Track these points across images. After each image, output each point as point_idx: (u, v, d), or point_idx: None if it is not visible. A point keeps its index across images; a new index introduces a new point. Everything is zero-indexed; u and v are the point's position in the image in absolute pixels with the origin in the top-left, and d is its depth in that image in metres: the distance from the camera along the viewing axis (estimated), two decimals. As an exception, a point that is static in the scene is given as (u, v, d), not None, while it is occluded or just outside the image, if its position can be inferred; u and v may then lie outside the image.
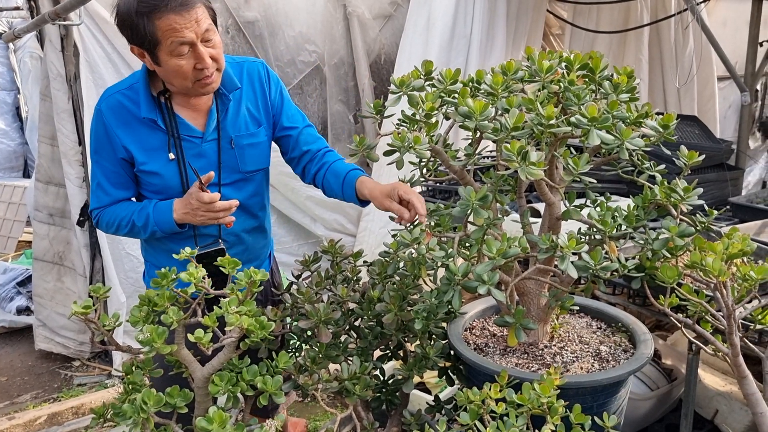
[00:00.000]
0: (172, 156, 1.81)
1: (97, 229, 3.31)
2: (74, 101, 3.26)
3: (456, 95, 1.59)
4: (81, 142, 3.29)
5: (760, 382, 1.59)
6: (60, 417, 3.12)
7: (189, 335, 1.40)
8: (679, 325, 1.68)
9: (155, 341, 1.41)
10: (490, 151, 3.21)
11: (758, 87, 4.85)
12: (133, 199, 1.92)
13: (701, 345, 1.64)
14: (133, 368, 1.55)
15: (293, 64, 4.02)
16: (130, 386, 1.49)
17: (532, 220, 1.82)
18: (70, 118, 3.26)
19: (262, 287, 1.51)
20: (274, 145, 2.05)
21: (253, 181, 1.98)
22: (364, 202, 1.89)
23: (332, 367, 1.74)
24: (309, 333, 1.83)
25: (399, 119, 1.62)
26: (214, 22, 1.75)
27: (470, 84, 1.66)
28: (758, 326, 1.58)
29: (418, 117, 1.55)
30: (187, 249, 1.51)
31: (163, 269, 1.50)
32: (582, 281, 2.26)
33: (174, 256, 1.55)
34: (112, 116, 1.79)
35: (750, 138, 4.80)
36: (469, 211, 1.48)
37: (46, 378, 3.57)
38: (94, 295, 1.55)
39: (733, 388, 2.55)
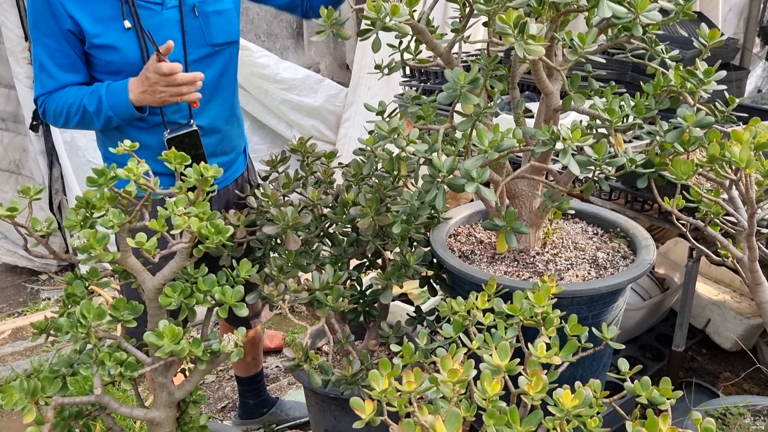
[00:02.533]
0: (128, 24, 1.57)
1: (53, 135, 3.06)
2: (16, -10, 2.92)
3: (442, -40, 1.35)
4: (27, 38, 2.97)
5: None
6: (25, 331, 2.98)
7: (129, 240, 1.21)
8: (684, 230, 1.52)
9: (93, 247, 1.21)
10: (478, 50, 2.96)
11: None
12: (85, 85, 1.66)
13: (705, 249, 1.49)
14: (75, 279, 1.38)
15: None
16: (69, 299, 1.31)
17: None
18: (13, 9, 2.92)
19: (216, 186, 1.31)
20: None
21: (223, 57, 1.74)
22: None
23: (303, 276, 1.58)
24: (276, 240, 1.66)
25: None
26: None
27: (459, -53, 1.41)
28: (772, 230, 1.43)
29: (397, -15, 1.31)
30: (127, 142, 1.29)
31: (102, 165, 1.29)
32: (579, 182, 2.08)
33: (112, 149, 1.33)
34: None
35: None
36: (456, 98, 1.27)
37: (10, 292, 3.41)
38: (23, 196, 1.33)
39: (726, 297, 2.45)
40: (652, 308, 2.33)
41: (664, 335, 2.41)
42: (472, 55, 2.84)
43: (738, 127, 2.64)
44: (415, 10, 1.35)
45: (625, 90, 2.74)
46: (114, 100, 1.57)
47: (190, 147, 1.66)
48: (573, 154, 1.27)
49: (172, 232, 1.23)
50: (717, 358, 2.42)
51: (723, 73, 1.32)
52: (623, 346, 1.30)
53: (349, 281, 1.67)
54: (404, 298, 2.81)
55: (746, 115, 2.52)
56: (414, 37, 1.51)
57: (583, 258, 1.58)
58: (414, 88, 2.94)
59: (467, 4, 1.36)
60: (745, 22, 3.82)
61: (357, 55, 3.64)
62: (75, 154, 3.12)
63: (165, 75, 1.50)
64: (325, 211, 1.68)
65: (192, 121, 1.69)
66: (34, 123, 3.09)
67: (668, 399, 1.09)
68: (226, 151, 1.83)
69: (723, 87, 1.33)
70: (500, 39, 1.23)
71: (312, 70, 3.79)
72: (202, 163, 1.25)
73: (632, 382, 1.13)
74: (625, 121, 1.35)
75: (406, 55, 1.57)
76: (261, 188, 1.64)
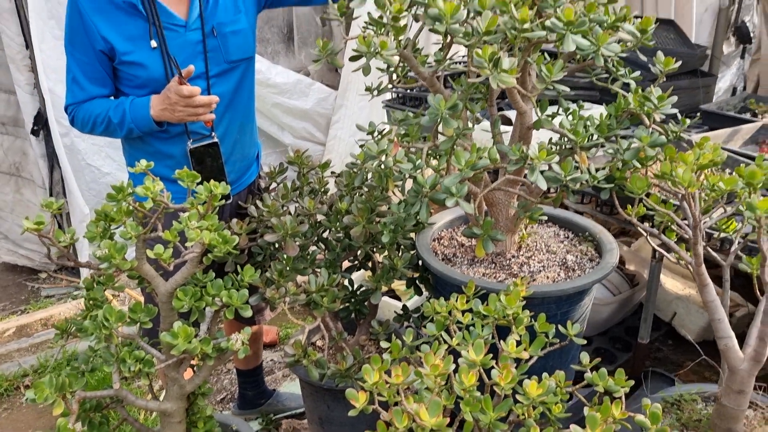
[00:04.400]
0: (154, 44, 1.74)
1: (53, 139, 3.18)
2: (17, 0, 3.02)
3: (426, -5, 1.49)
4: (28, 45, 3.08)
5: (719, 287, 1.63)
6: (29, 329, 3.11)
7: (148, 251, 1.36)
8: (645, 234, 1.69)
9: (114, 257, 1.36)
10: (463, 56, 3.10)
11: (736, -11, 4.73)
12: (111, 98, 1.85)
13: (665, 252, 1.66)
14: (95, 284, 1.52)
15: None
16: (91, 302, 1.45)
17: (503, 128, 1.78)
18: (14, 18, 3.03)
19: (224, 201, 1.46)
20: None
21: (239, 71, 1.92)
22: None
23: (300, 279, 1.73)
24: (276, 246, 1.81)
25: (365, 22, 1.52)
26: None
27: (441, -17, 1.55)
28: (722, 235, 1.60)
29: (385, 20, 1.46)
30: (143, 162, 1.43)
31: (120, 182, 1.43)
32: (552, 191, 2.25)
33: (130, 169, 1.47)
34: (89, 3, 1.71)
35: (724, 43, 4.73)
36: (438, 121, 1.42)
37: (12, 290, 3.53)
38: (47, 210, 1.47)
39: (691, 291, 2.64)
40: (621, 303, 2.50)
41: (633, 328, 2.59)
42: (457, 62, 2.99)
43: (705, 132, 2.80)
44: (401, 39, 1.50)
45: (598, 95, 2.91)
46: (136, 114, 1.74)
47: (211, 157, 1.83)
48: (541, 171, 1.43)
49: (186, 244, 1.37)
50: (681, 349, 2.61)
51: (674, 99, 1.48)
52: (585, 341, 1.46)
53: (341, 282, 1.83)
54: (392, 293, 2.97)
55: (705, 127, 2.70)
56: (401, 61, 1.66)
57: (554, 261, 1.75)
58: (399, 99, 3.09)
59: (449, 35, 1.51)
60: (715, 28, 4.00)
61: (346, 59, 3.78)
62: (75, 157, 3.24)
63: (185, 97, 1.67)
64: (320, 218, 1.83)
65: (213, 133, 1.85)
66: (35, 127, 3.21)
67: (622, 387, 1.26)
68: (239, 158, 1.99)
69: (675, 111, 1.49)
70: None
71: (302, 74, 3.92)
72: (212, 181, 1.39)
73: (592, 373, 1.30)
74: (589, 140, 1.51)
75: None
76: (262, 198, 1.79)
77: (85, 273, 3.43)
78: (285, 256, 1.67)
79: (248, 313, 1.48)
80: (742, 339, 1.41)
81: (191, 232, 1.34)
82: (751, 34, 5.55)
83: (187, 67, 1.70)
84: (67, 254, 1.46)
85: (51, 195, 3.34)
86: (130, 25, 1.72)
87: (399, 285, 2.97)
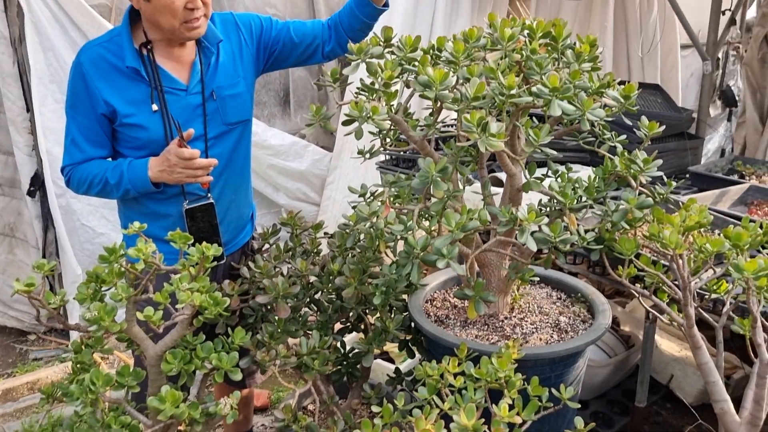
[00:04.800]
0: (155, 107, 1.78)
1: (49, 200, 3.20)
2: (20, 65, 3.10)
3: (416, 63, 1.55)
4: (29, 109, 3.13)
5: (713, 347, 1.62)
6: (15, 392, 3.03)
7: (138, 313, 1.35)
8: (637, 295, 1.69)
9: (103, 319, 1.35)
10: (452, 120, 3.18)
11: (719, 55, 4.89)
12: (109, 159, 1.87)
13: (657, 314, 1.65)
14: (83, 347, 1.50)
15: (253, 27, 3.87)
16: (78, 365, 1.43)
17: (494, 189, 1.80)
18: (16, 83, 3.09)
19: (215, 263, 1.46)
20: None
21: (236, 133, 1.95)
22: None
23: (292, 341, 1.71)
24: (267, 308, 1.80)
25: (358, 87, 1.57)
26: None
27: (431, 52, 1.61)
28: (713, 296, 1.60)
29: (377, 86, 1.50)
30: (136, 224, 1.44)
31: (113, 243, 1.44)
32: (543, 252, 2.26)
33: (124, 231, 1.48)
34: (93, 69, 1.76)
35: (710, 106, 4.86)
36: (428, 184, 1.44)
37: (0, 353, 3.47)
38: (38, 272, 1.47)
39: (687, 353, 2.61)
40: (617, 365, 2.48)
41: (630, 390, 2.54)
42: (447, 125, 3.05)
43: (695, 193, 2.83)
44: (392, 104, 1.55)
45: (588, 156, 2.96)
46: (134, 175, 1.76)
47: (207, 218, 1.85)
48: (532, 233, 1.44)
49: (177, 306, 1.37)
50: (680, 412, 2.56)
51: (659, 162, 1.51)
52: (580, 405, 1.44)
53: (333, 344, 1.81)
54: (385, 356, 2.93)
55: (694, 188, 2.74)
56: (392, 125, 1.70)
57: (547, 322, 1.74)
58: (392, 161, 3.14)
59: (438, 101, 1.55)
60: (700, 92, 4.12)
61: (339, 123, 3.86)
62: (70, 218, 3.25)
63: (185, 159, 1.70)
64: (312, 279, 1.83)
65: (209, 194, 1.87)
66: (32, 188, 3.23)
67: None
68: (234, 218, 2.01)
69: (660, 173, 1.52)
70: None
71: (298, 136, 3.99)
72: (205, 242, 1.40)
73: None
74: (578, 202, 1.54)
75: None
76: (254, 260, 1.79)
77: (74, 335, 3.38)
78: (276, 318, 1.66)
79: (238, 376, 1.46)
80: (740, 402, 1.39)
81: (182, 293, 1.34)
82: (737, 98, 5.71)
83: (188, 130, 1.73)
84: (57, 316, 1.45)
85: (44, 255, 3.33)
86: (133, 89, 1.77)
87: (392, 347, 2.93)
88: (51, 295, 1.44)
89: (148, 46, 1.78)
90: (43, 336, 3.58)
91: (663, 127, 1.61)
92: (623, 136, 1.69)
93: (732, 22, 4.36)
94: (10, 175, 3.39)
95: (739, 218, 2.28)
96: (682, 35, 4.77)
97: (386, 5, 1.96)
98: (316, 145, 4.00)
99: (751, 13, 5.32)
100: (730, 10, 4.31)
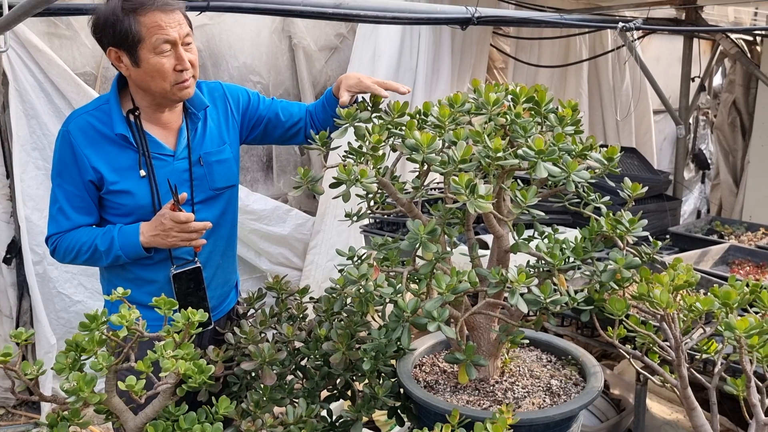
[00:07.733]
0: (143, 173, 1.78)
1: (25, 268, 3.13)
2: (2, 132, 3.10)
3: (403, 127, 1.57)
4: (9, 175, 3.11)
5: (707, 410, 1.60)
6: (-19, 471, 2.88)
7: (120, 383, 1.30)
8: (628, 357, 1.67)
9: (82, 390, 1.30)
10: (438, 183, 3.21)
11: (690, 120, 5.06)
12: (95, 226, 1.85)
13: (649, 375, 1.63)
14: (59, 419, 1.43)
15: (237, 95, 3.94)
16: (54, 441, 1.37)
17: (480, 252, 1.80)
18: (-3, 150, 3.10)
19: (201, 329, 1.42)
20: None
21: (223, 198, 1.96)
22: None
23: (277, 410, 1.66)
24: (253, 375, 1.74)
25: (345, 151, 1.58)
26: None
27: (417, 116, 1.64)
28: (704, 356, 1.59)
29: (364, 149, 1.52)
30: (120, 289, 1.41)
31: (94, 310, 1.40)
32: (532, 314, 2.24)
33: (107, 297, 1.45)
34: (81, 136, 1.76)
35: (685, 169, 4.98)
36: (417, 245, 1.44)
37: (-34, 428, 3.30)
38: (15, 341, 1.42)
39: (679, 416, 2.58)
40: (609, 430, 2.43)
41: (624, 456, 2.49)
42: (433, 189, 3.09)
43: (676, 254, 2.87)
44: (380, 168, 1.56)
45: (571, 219, 2.99)
46: (125, 241, 1.74)
47: (194, 283, 1.82)
48: (521, 294, 1.43)
49: (160, 374, 1.32)
50: (675, 478, 2.50)
51: (644, 222, 1.52)
52: (577, 472, 1.40)
53: (320, 412, 1.75)
54: (371, 424, 2.84)
55: (675, 248, 2.77)
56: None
57: (539, 386, 1.71)
58: (377, 225, 3.15)
59: (425, 164, 1.57)
60: (675, 155, 4.23)
61: (326, 186, 3.88)
62: (46, 286, 3.18)
63: (181, 222, 1.69)
64: (299, 345, 1.78)
65: (197, 258, 1.85)
66: (8, 256, 3.16)
67: None
68: (221, 283, 1.98)
69: (646, 233, 1.53)
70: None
71: (280, 201, 4.00)
72: (190, 308, 1.36)
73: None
74: (566, 262, 1.54)
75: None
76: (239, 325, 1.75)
77: (47, 408, 3.24)
78: (262, 385, 1.61)
79: (221, 448, 1.40)
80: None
81: (166, 361, 1.29)
82: (709, 161, 5.88)
83: (182, 194, 1.73)
84: (32, 387, 1.39)
85: (18, 325, 3.23)
86: (121, 156, 1.77)
87: (379, 415, 2.85)
88: (28, 365, 1.38)
89: (136, 113, 1.79)
90: (12, 410, 3.42)
91: (646, 188, 1.64)
92: (607, 198, 1.71)
93: (701, 88, 4.54)
94: (-13, 242, 3.33)
95: (722, 277, 2.30)
96: (653, 101, 4.94)
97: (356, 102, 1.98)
98: (299, 210, 4.01)
99: (717, 80, 5.56)
100: (699, 77, 4.49)
